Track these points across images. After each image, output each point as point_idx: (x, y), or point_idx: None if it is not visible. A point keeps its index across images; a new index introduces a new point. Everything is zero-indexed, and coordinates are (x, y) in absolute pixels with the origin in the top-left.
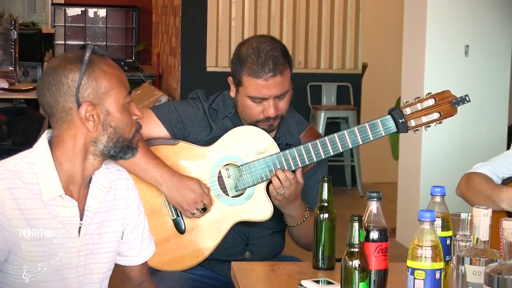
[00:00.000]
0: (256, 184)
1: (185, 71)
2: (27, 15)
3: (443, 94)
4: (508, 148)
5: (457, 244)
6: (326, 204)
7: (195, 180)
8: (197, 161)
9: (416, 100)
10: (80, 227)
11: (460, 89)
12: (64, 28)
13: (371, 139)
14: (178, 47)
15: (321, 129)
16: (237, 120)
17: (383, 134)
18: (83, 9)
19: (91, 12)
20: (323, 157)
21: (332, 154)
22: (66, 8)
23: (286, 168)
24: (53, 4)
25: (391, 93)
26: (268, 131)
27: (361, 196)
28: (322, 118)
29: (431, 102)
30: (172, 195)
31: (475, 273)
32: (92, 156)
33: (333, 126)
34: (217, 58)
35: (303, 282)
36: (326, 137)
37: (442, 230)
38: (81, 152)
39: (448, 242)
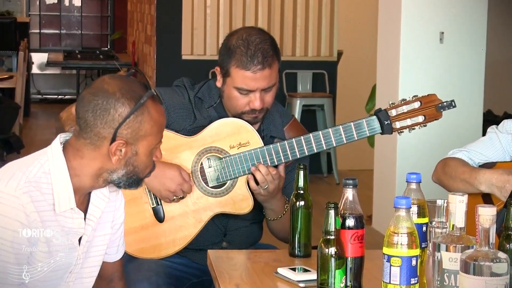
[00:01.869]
0: (238, 177)
1: (161, 59)
2: (2, 4)
3: (429, 98)
4: (483, 134)
5: (433, 231)
6: (302, 192)
7: (175, 167)
8: (180, 150)
9: (402, 102)
10: (81, 236)
11: (435, 76)
12: (39, 17)
13: (356, 138)
14: (153, 35)
15: (297, 116)
16: (221, 110)
17: (368, 134)
18: None
19: (66, 0)
20: (307, 154)
21: (316, 151)
22: None
23: (269, 163)
24: None
25: (366, 80)
26: (252, 123)
27: (337, 184)
28: (297, 106)
29: (416, 105)
30: (151, 183)
31: (451, 259)
32: (103, 180)
33: (309, 114)
34: (193, 46)
35: (280, 270)
36: (310, 134)
37: (418, 217)
38: (95, 174)
39: (424, 229)
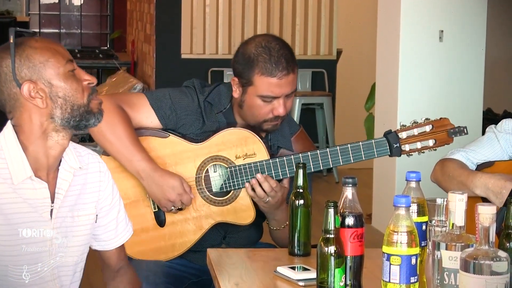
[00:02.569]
0: (242, 188)
1: (160, 58)
2: (2, 3)
3: (441, 122)
4: (483, 133)
5: (432, 230)
6: (301, 191)
7: (177, 178)
8: (186, 156)
9: (414, 125)
10: (52, 210)
11: (435, 74)
12: (39, 16)
13: (363, 159)
14: (152, 34)
15: (296, 115)
16: (231, 116)
17: (376, 156)
18: None
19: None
20: (312, 170)
21: (321, 168)
22: None
23: (274, 177)
24: None
25: (366, 78)
26: (270, 131)
27: (337, 182)
28: (297, 105)
29: (428, 128)
30: (151, 190)
31: (451, 258)
32: (55, 133)
33: (308, 113)
34: (192, 45)
35: (279, 269)
36: (318, 151)
37: (417, 216)
38: (41, 132)
39: (423, 227)
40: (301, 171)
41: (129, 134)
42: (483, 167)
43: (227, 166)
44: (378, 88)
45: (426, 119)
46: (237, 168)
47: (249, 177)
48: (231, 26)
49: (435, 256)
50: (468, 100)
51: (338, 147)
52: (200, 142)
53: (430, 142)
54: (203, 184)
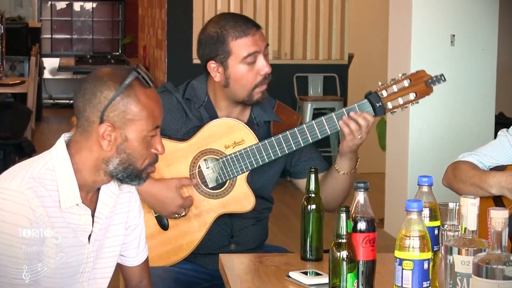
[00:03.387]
0: (237, 176)
1: (171, 63)
2: (14, 10)
3: (418, 74)
4: (495, 137)
5: (445, 234)
6: (313, 195)
7: (173, 188)
8: (176, 156)
9: (392, 82)
10: (90, 234)
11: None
12: (51, 22)
13: None
14: (164, 40)
15: (307, 120)
16: (211, 108)
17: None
18: (69, 2)
19: (77, 5)
20: (302, 145)
21: (311, 141)
22: (53, 2)
23: (266, 159)
24: None
25: (377, 83)
26: (261, 100)
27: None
28: (308, 109)
29: (406, 83)
30: (152, 206)
31: (463, 263)
32: (103, 173)
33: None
34: None
35: (291, 274)
36: (304, 125)
37: (429, 220)
38: (94, 165)
39: (436, 232)
40: (313, 176)
41: None
42: (495, 170)
43: (218, 157)
44: None
45: (403, 74)
46: (229, 157)
47: (242, 164)
48: None
49: (448, 260)
50: (480, 104)
51: (323, 117)
52: (188, 139)
53: (411, 96)
54: (198, 179)
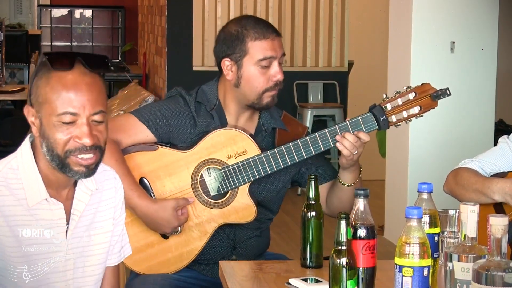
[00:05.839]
0: (238, 187)
1: (172, 70)
2: (13, 17)
3: (423, 88)
4: (495, 144)
5: (445, 241)
6: (313, 202)
7: (169, 210)
8: (178, 165)
9: (396, 95)
10: (66, 231)
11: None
12: (51, 29)
13: None
14: (164, 47)
15: (308, 126)
16: (221, 112)
17: (365, 132)
18: (69, 10)
19: (77, 13)
20: (305, 156)
21: (313, 153)
22: (52, 9)
23: (268, 170)
24: (39, 5)
25: (377, 90)
26: (270, 106)
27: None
28: (308, 116)
29: (411, 96)
30: (149, 225)
31: (463, 269)
32: (48, 163)
33: (320, 124)
34: (203, 57)
35: (291, 281)
36: (307, 137)
37: (429, 227)
38: (44, 156)
39: (435, 239)
40: (312, 183)
41: (119, 168)
42: (496, 177)
43: (220, 168)
44: None
45: (408, 87)
46: (231, 168)
47: (244, 175)
48: None
49: (448, 267)
50: (480, 111)
51: (326, 130)
52: (190, 148)
53: (416, 109)
54: (200, 189)
